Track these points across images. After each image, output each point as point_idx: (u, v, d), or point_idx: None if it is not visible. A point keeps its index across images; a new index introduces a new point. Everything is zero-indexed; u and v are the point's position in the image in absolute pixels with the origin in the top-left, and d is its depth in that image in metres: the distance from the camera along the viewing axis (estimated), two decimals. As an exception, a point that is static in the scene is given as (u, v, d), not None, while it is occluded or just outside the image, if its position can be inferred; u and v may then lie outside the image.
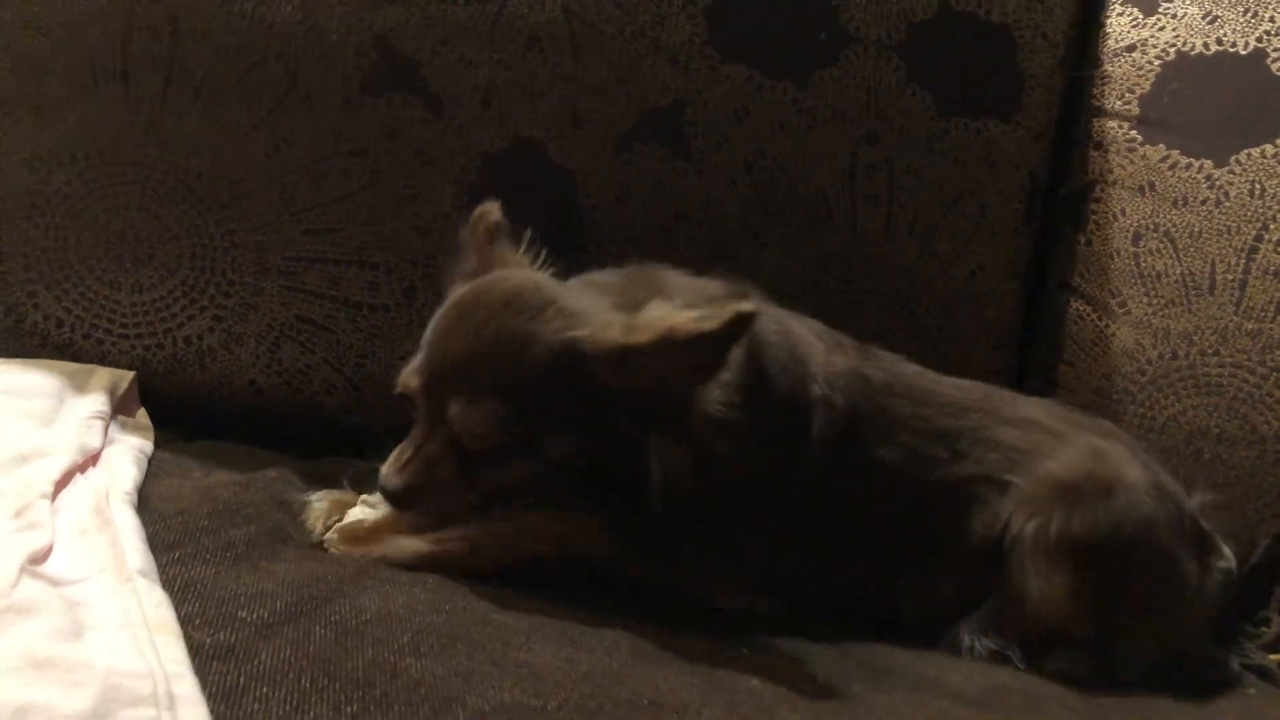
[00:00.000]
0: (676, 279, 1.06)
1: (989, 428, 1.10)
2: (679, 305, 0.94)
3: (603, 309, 0.97)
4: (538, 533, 1.00)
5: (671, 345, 0.90)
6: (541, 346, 0.92)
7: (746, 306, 0.89)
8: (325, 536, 0.99)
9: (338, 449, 1.23)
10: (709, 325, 0.89)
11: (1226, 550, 1.11)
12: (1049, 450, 1.08)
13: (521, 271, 1.03)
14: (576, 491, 0.99)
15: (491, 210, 1.06)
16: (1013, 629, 1.04)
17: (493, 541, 0.98)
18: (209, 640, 0.74)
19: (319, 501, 1.02)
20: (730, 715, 0.79)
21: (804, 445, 1.04)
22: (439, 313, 1.00)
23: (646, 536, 1.01)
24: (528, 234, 1.07)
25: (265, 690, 0.70)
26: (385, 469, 0.96)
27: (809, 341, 1.09)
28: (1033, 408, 1.15)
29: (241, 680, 0.70)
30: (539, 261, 1.06)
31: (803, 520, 1.05)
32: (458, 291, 1.01)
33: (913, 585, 1.08)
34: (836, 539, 1.07)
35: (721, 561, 1.03)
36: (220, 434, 1.25)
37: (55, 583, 0.73)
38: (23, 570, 0.72)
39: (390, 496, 0.96)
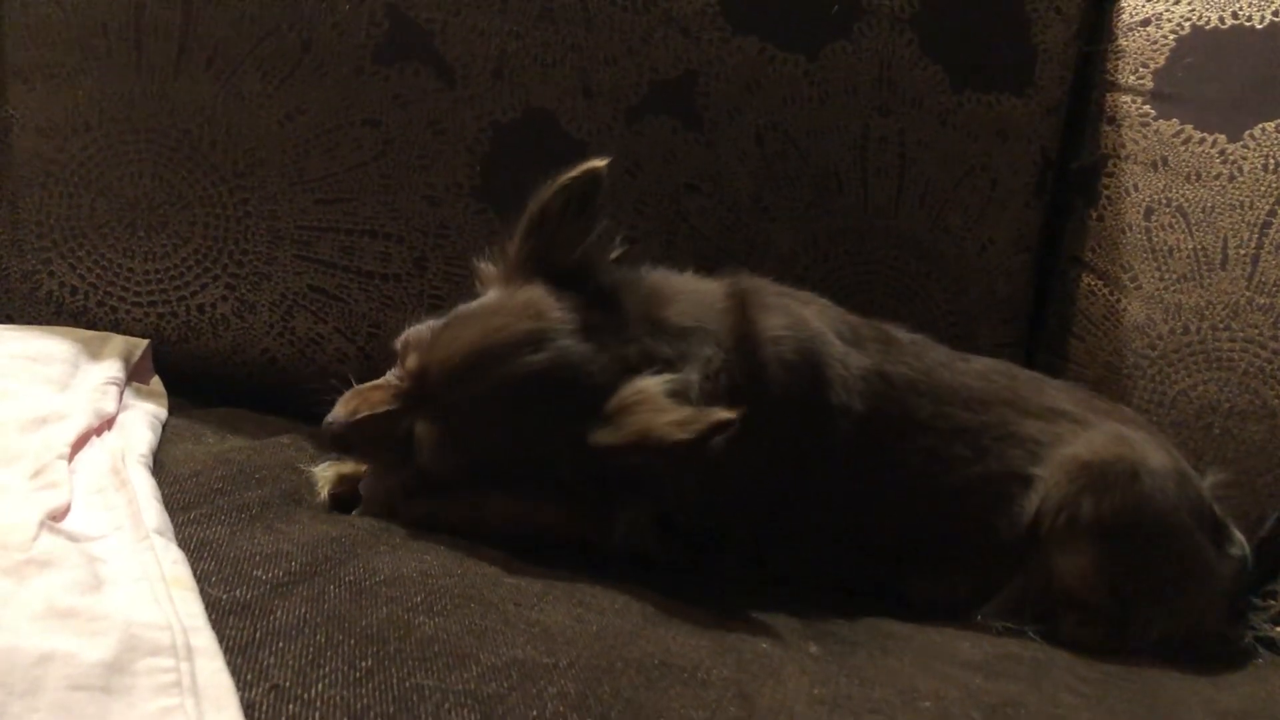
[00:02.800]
0: (680, 286, 1.05)
1: (1012, 422, 1.09)
2: (664, 389, 0.92)
3: (596, 387, 0.94)
4: (534, 520, 1.00)
5: (645, 450, 0.90)
6: (521, 432, 0.94)
7: (724, 415, 0.88)
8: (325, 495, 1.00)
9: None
10: (685, 436, 0.88)
11: (1240, 537, 1.12)
12: (1073, 437, 1.08)
13: (547, 315, 0.96)
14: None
15: (599, 168, 0.97)
16: (1034, 606, 1.04)
17: (487, 516, 0.99)
18: (225, 597, 0.75)
19: (324, 470, 1.03)
20: (739, 675, 0.80)
21: (822, 449, 1.03)
22: (465, 310, 0.99)
23: (641, 531, 1.01)
24: (616, 231, 1.02)
25: (281, 645, 0.71)
26: (338, 404, 0.98)
27: (827, 341, 1.06)
28: (1058, 394, 1.14)
29: (258, 635, 0.71)
30: (613, 254, 1.02)
31: (810, 519, 1.05)
32: (492, 298, 1.00)
33: (927, 581, 1.08)
34: (848, 536, 1.06)
35: (722, 556, 1.03)
36: (233, 402, 1.26)
37: (74, 538, 0.74)
38: (42, 525, 0.73)
39: (331, 436, 0.97)
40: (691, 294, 1.05)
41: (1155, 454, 1.08)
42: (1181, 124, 1.35)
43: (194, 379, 1.26)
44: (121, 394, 1.10)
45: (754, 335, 1.02)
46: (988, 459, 1.07)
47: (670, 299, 1.02)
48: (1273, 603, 1.15)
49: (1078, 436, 1.08)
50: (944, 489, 1.07)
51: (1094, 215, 1.40)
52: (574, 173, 0.98)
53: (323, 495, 1.00)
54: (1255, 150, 1.31)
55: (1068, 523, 1.03)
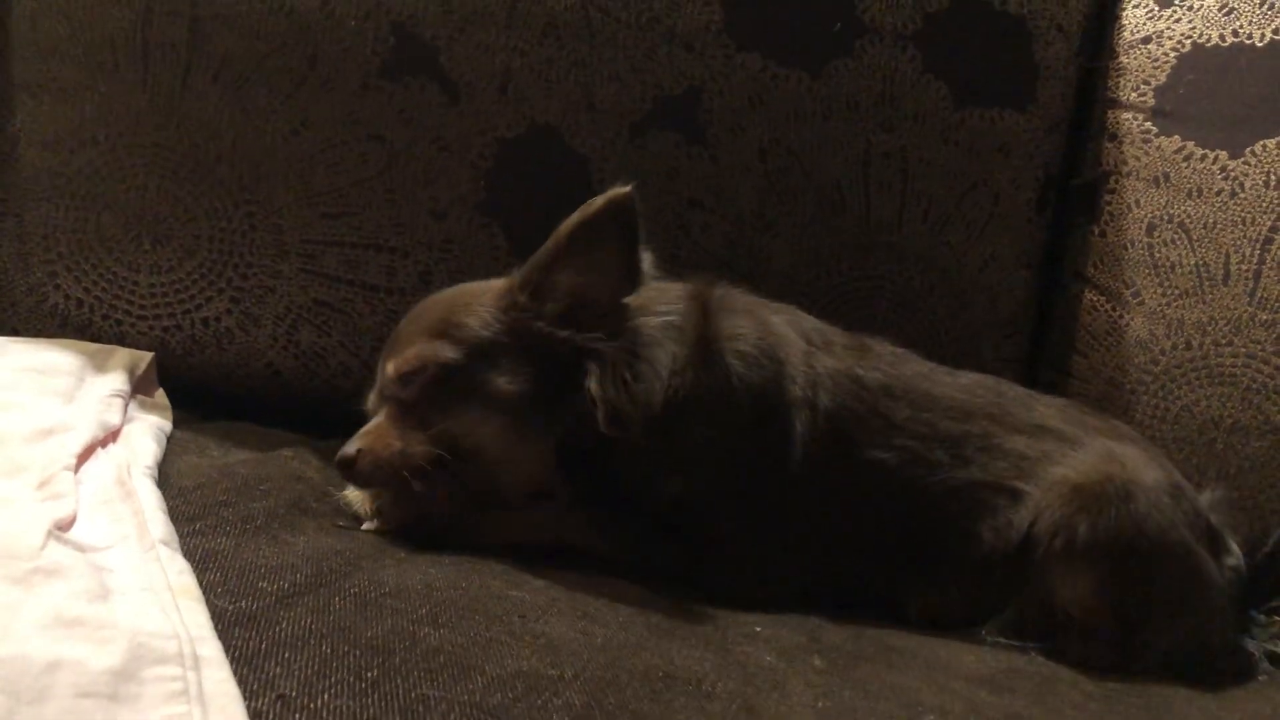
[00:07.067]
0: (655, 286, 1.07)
1: (996, 434, 1.09)
2: None
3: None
4: (527, 524, 1.02)
5: (564, 245, 0.96)
6: (463, 299, 1.02)
7: (621, 189, 0.94)
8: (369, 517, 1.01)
9: (352, 432, 1.25)
10: (588, 209, 0.95)
11: (1235, 548, 1.12)
12: (1061, 456, 1.08)
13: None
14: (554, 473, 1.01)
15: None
16: (1036, 629, 1.04)
17: (485, 526, 1.00)
18: (231, 607, 0.75)
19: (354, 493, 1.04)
20: (744, 689, 0.80)
21: (786, 445, 1.04)
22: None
23: (635, 535, 1.02)
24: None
25: (287, 655, 0.71)
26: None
27: (789, 340, 1.08)
28: (1045, 410, 1.14)
29: (264, 646, 0.71)
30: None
31: (796, 520, 1.05)
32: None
33: (917, 589, 1.08)
34: (833, 540, 1.07)
35: (715, 560, 1.03)
36: (237, 415, 1.26)
37: (81, 548, 0.74)
38: (50, 535, 0.73)
39: (340, 464, 0.99)
40: (658, 288, 1.06)
41: (1148, 470, 1.07)
42: (1183, 141, 1.36)
43: (198, 392, 1.26)
44: (126, 407, 1.10)
45: (714, 335, 1.04)
46: (970, 468, 1.08)
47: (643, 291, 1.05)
48: (1277, 618, 1.15)
49: (1066, 456, 1.08)
50: (925, 493, 1.07)
51: (1096, 231, 1.40)
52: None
53: (370, 520, 1.00)
54: (1256, 167, 1.32)
55: (1065, 547, 1.03)
